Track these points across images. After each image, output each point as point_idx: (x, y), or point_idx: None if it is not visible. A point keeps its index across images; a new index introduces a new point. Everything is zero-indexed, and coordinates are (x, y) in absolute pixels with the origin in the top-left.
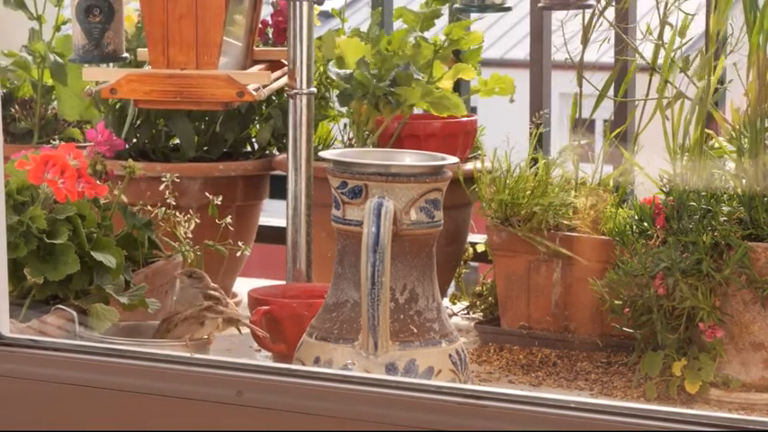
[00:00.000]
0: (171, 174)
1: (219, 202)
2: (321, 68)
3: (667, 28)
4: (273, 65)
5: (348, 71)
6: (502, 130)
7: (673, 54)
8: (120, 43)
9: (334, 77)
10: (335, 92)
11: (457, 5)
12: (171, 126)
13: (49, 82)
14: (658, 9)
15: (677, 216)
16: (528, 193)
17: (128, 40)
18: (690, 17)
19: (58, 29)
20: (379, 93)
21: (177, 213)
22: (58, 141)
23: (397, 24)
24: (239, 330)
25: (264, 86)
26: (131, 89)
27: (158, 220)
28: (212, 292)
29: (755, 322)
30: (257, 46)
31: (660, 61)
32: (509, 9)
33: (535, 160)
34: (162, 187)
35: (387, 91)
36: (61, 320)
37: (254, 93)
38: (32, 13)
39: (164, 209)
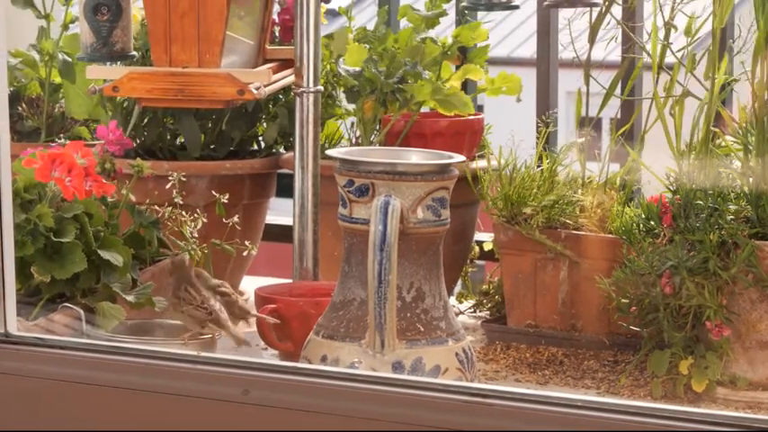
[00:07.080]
0: (178, 173)
1: (226, 201)
2: (328, 66)
3: (674, 25)
4: (286, 63)
5: (357, 69)
6: (509, 129)
7: (682, 51)
8: (128, 41)
9: (343, 73)
10: (342, 90)
11: (464, 4)
12: (178, 125)
13: (57, 80)
14: (662, 12)
15: (684, 214)
16: (534, 191)
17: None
18: (694, 19)
19: (66, 27)
20: (387, 89)
21: (183, 212)
22: (65, 140)
23: (403, 23)
24: (245, 323)
25: (266, 85)
26: (133, 87)
27: (165, 220)
28: (222, 289)
29: (762, 321)
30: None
31: (667, 60)
32: (516, 7)
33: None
34: (169, 186)
35: (395, 88)
36: (68, 319)
37: (255, 91)
38: (40, 11)
39: (170, 208)
